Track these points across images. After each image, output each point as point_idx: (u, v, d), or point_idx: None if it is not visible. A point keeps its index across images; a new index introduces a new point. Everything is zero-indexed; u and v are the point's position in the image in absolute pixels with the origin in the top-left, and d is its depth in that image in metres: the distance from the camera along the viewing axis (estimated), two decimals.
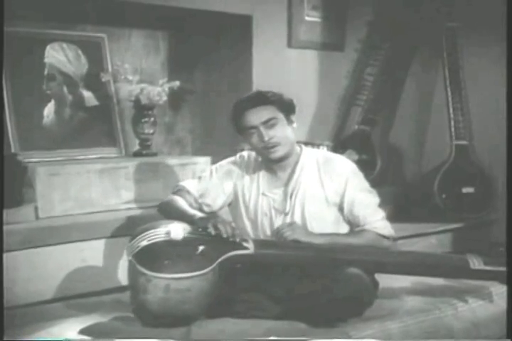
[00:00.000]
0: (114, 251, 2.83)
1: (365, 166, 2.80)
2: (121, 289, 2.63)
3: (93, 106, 3.40)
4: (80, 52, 3.37)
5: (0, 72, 2.92)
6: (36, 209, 2.87)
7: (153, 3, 3.27)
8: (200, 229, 2.29)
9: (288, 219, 2.47)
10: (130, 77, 3.36)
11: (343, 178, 2.46)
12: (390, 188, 4.03)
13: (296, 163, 2.51)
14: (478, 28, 3.96)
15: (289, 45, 3.83)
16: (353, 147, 3.96)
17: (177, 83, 3.44)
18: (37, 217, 2.87)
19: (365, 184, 2.53)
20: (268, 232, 2.50)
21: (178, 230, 2.25)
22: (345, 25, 4.06)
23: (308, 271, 2.33)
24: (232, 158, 2.64)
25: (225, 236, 2.24)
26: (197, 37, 3.80)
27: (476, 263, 2.43)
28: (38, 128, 3.20)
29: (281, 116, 2.43)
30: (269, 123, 2.40)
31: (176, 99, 3.69)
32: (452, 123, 4.01)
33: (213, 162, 2.89)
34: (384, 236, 2.47)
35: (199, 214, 2.39)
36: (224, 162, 2.65)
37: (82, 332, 2.21)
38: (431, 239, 3.85)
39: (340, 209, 2.49)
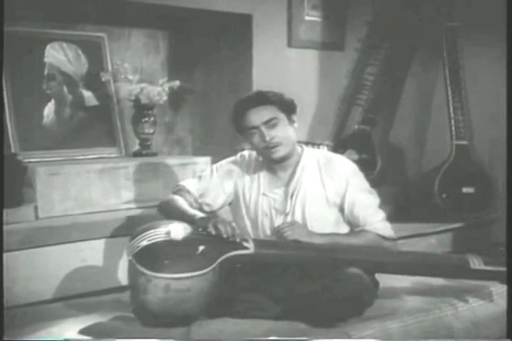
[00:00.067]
0: (114, 251, 2.83)
1: (365, 166, 2.80)
2: (121, 289, 2.63)
3: (93, 105, 3.40)
4: (79, 51, 3.37)
5: (0, 72, 2.92)
6: (36, 209, 2.87)
7: (153, 3, 3.27)
8: (200, 229, 2.29)
9: (288, 220, 2.47)
10: (130, 77, 3.36)
11: (344, 179, 2.46)
12: (390, 188, 4.02)
13: (298, 163, 2.51)
14: (478, 28, 3.96)
15: (289, 44, 3.83)
16: (353, 147, 3.96)
17: (177, 83, 3.44)
18: (37, 217, 2.87)
19: (366, 184, 2.53)
20: (268, 232, 2.50)
21: (178, 230, 2.25)
22: (345, 25, 4.06)
23: (308, 271, 2.33)
24: (232, 158, 2.64)
25: (225, 236, 2.24)
26: (197, 37, 3.80)
27: (476, 263, 2.43)
28: (38, 128, 3.20)
29: (282, 116, 2.43)
30: (270, 123, 2.40)
31: (175, 98, 3.69)
32: (452, 123, 4.01)
33: (213, 162, 2.89)
34: (384, 237, 2.46)
35: (199, 214, 2.38)
36: (224, 161, 2.64)
37: (82, 332, 2.21)
38: (431, 239, 3.84)
39: (341, 209, 2.49)
